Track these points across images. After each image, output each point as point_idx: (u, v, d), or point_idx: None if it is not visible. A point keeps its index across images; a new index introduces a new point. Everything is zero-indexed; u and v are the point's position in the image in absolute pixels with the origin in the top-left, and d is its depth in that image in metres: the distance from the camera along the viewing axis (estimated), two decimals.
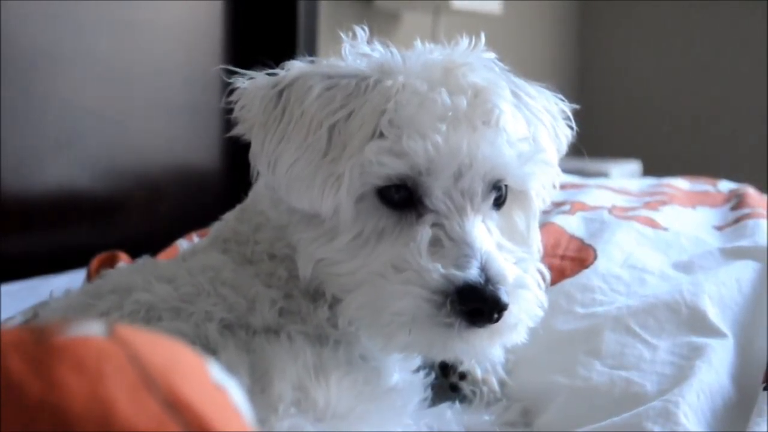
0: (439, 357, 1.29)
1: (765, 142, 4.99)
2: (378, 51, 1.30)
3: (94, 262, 1.90)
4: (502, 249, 1.22)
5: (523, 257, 1.24)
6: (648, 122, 5.40)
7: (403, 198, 1.21)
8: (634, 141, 5.27)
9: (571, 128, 1.40)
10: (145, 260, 1.42)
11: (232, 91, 1.30)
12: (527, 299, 1.20)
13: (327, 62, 1.31)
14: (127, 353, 0.64)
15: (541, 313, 1.24)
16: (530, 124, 1.30)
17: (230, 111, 1.31)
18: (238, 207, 1.43)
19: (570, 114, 1.41)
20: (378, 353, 1.27)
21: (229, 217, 1.43)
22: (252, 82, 1.29)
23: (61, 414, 0.59)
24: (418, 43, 1.33)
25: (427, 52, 1.30)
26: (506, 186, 1.27)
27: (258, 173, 1.40)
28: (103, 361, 0.63)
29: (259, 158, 1.26)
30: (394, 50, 1.30)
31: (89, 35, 2.55)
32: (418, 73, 1.24)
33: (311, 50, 2.98)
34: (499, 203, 1.27)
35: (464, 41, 1.32)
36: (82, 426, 0.59)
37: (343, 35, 1.33)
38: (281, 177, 1.22)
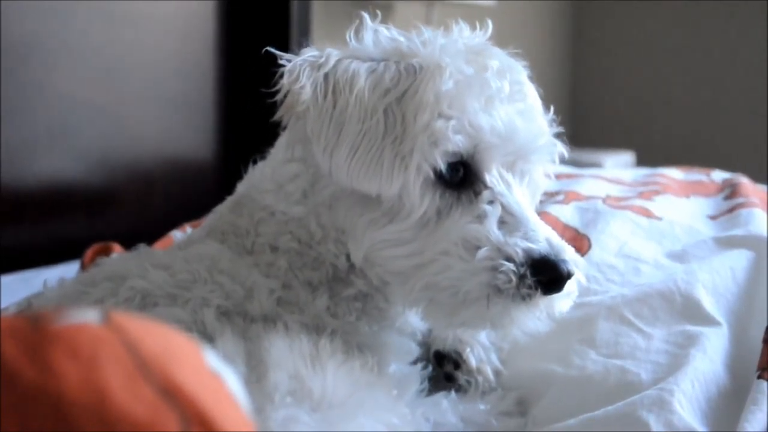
0: (499, 329, 1.30)
1: (759, 132, 5.00)
2: (402, 36, 1.33)
3: (88, 252, 1.90)
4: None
5: None
6: (642, 113, 5.40)
7: (456, 177, 1.24)
8: (628, 132, 5.28)
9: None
10: (140, 249, 1.42)
11: (279, 75, 1.28)
12: (579, 270, 1.25)
13: (356, 46, 1.32)
14: (123, 340, 0.64)
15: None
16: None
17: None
18: (231, 200, 1.43)
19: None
20: (376, 343, 1.28)
21: (223, 210, 1.43)
22: (293, 65, 1.28)
23: (56, 400, 0.59)
24: (423, 29, 1.35)
25: (440, 35, 1.33)
26: None
27: (253, 163, 1.41)
28: (99, 348, 0.63)
29: (317, 144, 1.25)
30: (414, 35, 1.33)
31: (83, 27, 2.54)
32: (455, 56, 1.28)
33: (304, 41, 2.97)
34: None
35: (465, 28, 1.34)
36: (77, 412, 0.59)
37: (368, 18, 1.33)
38: (341, 164, 1.23)
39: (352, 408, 1.09)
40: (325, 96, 1.24)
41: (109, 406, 0.60)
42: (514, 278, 1.16)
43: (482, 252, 1.18)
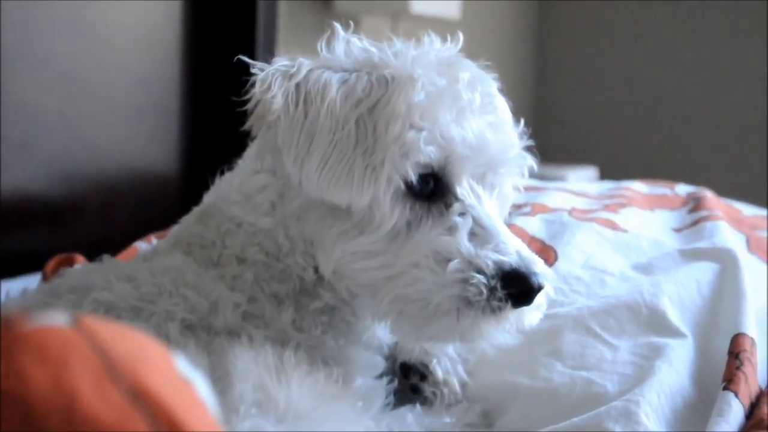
0: (469, 343, 1.30)
1: (722, 146, 5.05)
2: (374, 47, 1.33)
3: (51, 263, 1.88)
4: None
5: None
6: (605, 128, 5.43)
7: (426, 189, 1.24)
8: (591, 147, 5.31)
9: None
10: (104, 260, 1.40)
11: (250, 84, 1.28)
12: (549, 282, 1.26)
13: (328, 56, 1.31)
14: (92, 343, 0.63)
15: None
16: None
17: (242, 103, 1.29)
18: (197, 210, 1.42)
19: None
20: (341, 357, 1.27)
21: (189, 220, 1.42)
22: (264, 75, 1.27)
23: (24, 403, 0.58)
24: (396, 40, 1.35)
25: (411, 47, 1.33)
26: None
27: (218, 174, 1.40)
28: (67, 351, 0.62)
29: (287, 154, 1.25)
30: (386, 46, 1.32)
31: (45, 36, 2.52)
32: (426, 67, 1.28)
33: (270, 52, 2.96)
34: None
35: (436, 40, 1.34)
36: (45, 415, 0.58)
37: (339, 28, 1.33)
38: (311, 174, 1.22)
39: (317, 420, 1.08)
40: (297, 106, 1.24)
41: (78, 409, 0.59)
42: (484, 291, 1.16)
43: (453, 264, 1.18)
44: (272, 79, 1.26)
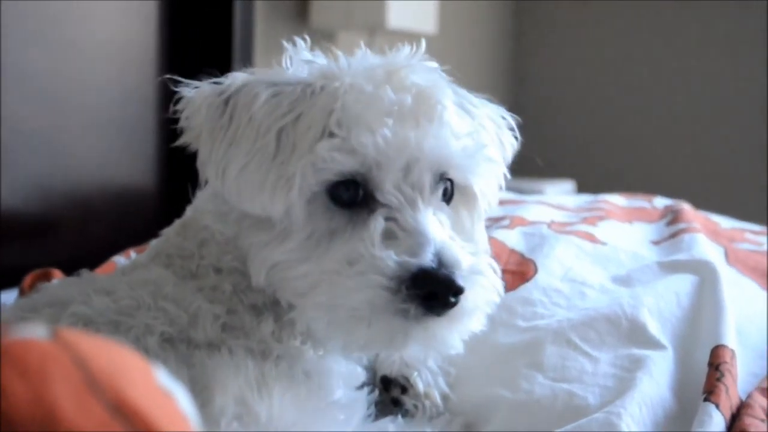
0: (399, 350, 1.27)
1: (698, 161, 5.08)
2: (321, 57, 1.31)
3: (27, 279, 1.86)
4: (454, 241, 1.23)
5: (475, 250, 1.25)
6: (582, 142, 5.45)
7: (353, 197, 1.21)
8: (568, 160, 5.31)
9: (516, 139, 1.43)
10: (83, 274, 1.39)
11: (177, 101, 1.29)
12: (483, 285, 1.21)
13: (271, 71, 1.30)
14: (72, 356, 0.62)
15: (497, 299, 1.25)
16: (473, 128, 1.31)
17: (173, 122, 1.29)
18: (178, 222, 1.41)
19: (514, 126, 1.44)
20: (321, 368, 1.26)
21: (170, 232, 1.41)
22: (197, 92, 1.29)
23: (4, 417, 0.57)
24: (359, 50, 1.34)
25: (369, 57, 1.32)
26: (451, 183, 1.29)
27: (198, 188, 1.40)
28: (47, 364, 0.60)
29: (207, 166, 1.25)
30: (339, 55, 1.31)
31: (22, 53, 2.50)
32: (363, 74, 1.25)
33: (247, 67, 2.95)
34: (446, 198, 1.29)
35: (405, 48, 1.33)
36: (25, 429, 0.56)
37: (285, 44, 1.32)
38: (231, 182, 1.22)
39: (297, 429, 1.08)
40: (221, 117, 1.24)
41: (59, 422, 0.58)
42: (381, 293, 1.12)
43: (357, 267, 1.15)
44: (199, 96, 1.27)
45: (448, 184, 1.28)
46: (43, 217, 2.63)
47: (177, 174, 2.95)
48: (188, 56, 3.00)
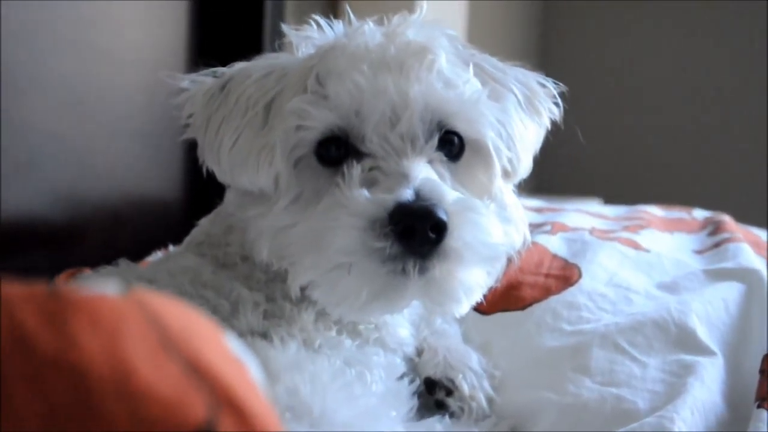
0: (397, 302, 1.16)
1: (730, 178, 5.03)
2: (321, 31, 1.29)
3: (62, 277, 1.85)
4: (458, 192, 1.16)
5: (484, 203, 1.19)
6: (608, 160, 5.41)
7: (341, 154, 1.17)
8: (593, 179, 5.28)
9: (558, 106, 1.40)
10: (122, 263, 1.38)
11: (177, 94, 1.30)
12: (476, 222, 1.12)
13: (271, 55, 1.31)
14: (145, 314, 0.59)
15: (496, 241, 1.17)
16: (486, 85, 1.27)
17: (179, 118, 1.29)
18: (214, 211, 1.41)
19: (556, 94, 1.40)
20: (361, 358, 1.22)
21: (204, 221, 1.42)
22: (197, 85, 1.29)
23: (77, 373, 0.54)
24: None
25: (373, 26, 1.28)
26: (460, 138, 1.23)
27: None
28: (121, 319, 0.57)
29: (205, 151, 1.25)
30: (340, 24, 1.30)
31: (50, 58, 2.48)
32: (359, 37, 1.22)
33: None
34: (453, 154, 1.23)
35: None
36: (99, 386, 0.53)
37: (285, 27, 1.34)
38: (225, 160, 1.21)
39: (351, 428, 1.05)
40: (215, 99, 1.24)
41: (133, 380, 0.55)
42: (355, 234, 1.06)
43: (331, 214, 1.10)
44: (199, 89, 1.28)
45: (456, 139, 1.23)
46: (69, 224, 2.62)
47: (204, 182, 2.93)
48: (218, 60, 2.99)
